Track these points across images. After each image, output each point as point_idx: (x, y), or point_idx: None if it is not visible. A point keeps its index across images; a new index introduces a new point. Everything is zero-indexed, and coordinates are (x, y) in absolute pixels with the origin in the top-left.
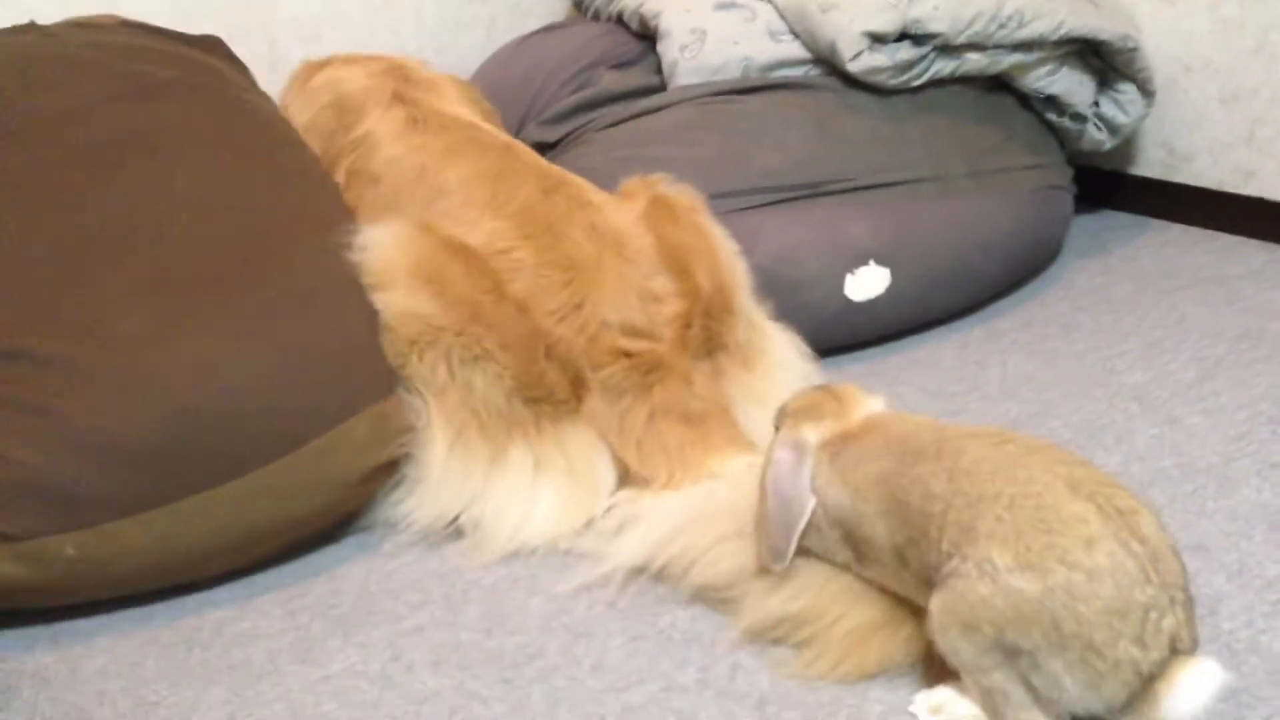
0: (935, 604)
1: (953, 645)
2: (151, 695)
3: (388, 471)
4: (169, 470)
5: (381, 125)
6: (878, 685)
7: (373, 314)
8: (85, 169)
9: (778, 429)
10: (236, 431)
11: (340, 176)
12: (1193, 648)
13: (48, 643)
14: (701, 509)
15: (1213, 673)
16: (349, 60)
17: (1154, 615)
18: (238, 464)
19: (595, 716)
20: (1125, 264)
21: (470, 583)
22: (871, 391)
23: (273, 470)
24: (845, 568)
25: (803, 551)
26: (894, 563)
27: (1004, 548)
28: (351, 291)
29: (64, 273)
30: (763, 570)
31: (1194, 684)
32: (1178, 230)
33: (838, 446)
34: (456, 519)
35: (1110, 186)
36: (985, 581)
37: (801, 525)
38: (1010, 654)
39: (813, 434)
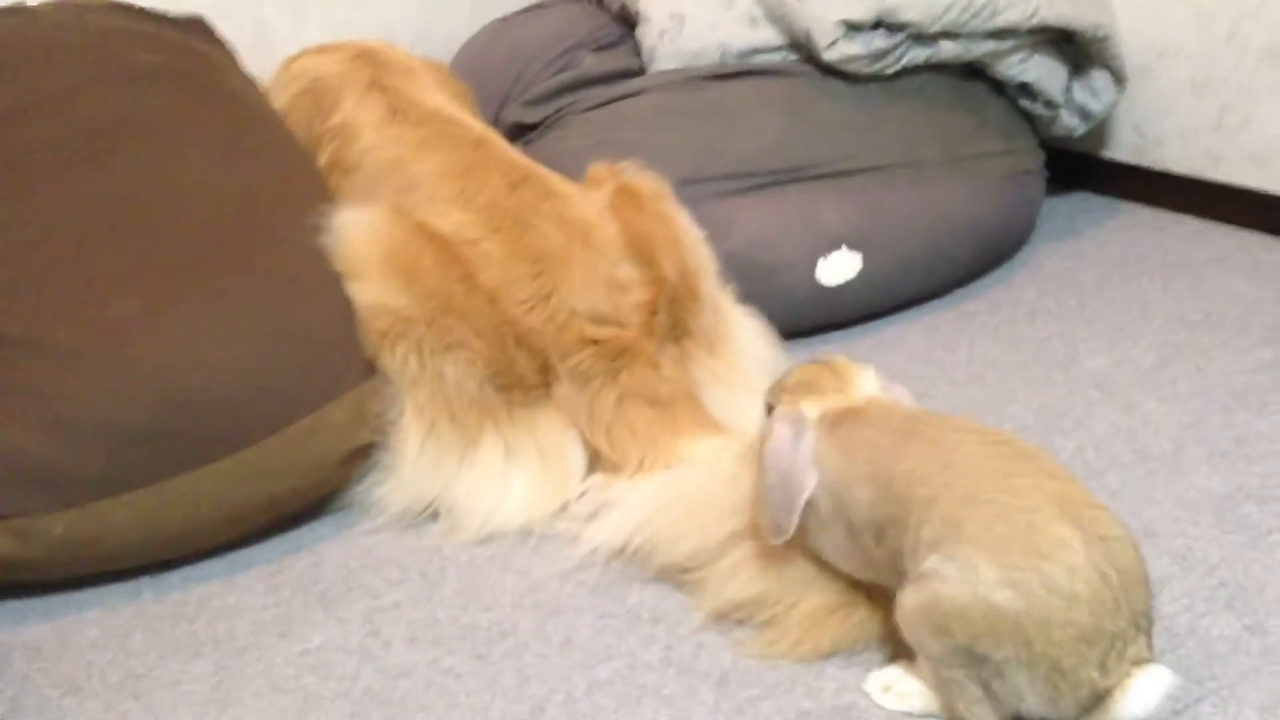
0: (909, 600)
1: (919, 639)
2: (139, 667)
3: (366, 454)
4: (155, 451)
5: (360, 113)
6: (833, 664)
7: (350, 300)
8: (73, 154)
9: (771, 407)
10: (221, 414)
11: (322, 163)
12: (1148, 659)
13: (40, 615)
14: (674, 494)
15: (1163, 677)
16: (320, 50)
17: (1119, 644)
18: (222, 446)
19: (563, 691)
20: (1094, 248)
21: (447, 560)
22: (862, 364)
23: (255, 452)
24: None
25: (799, 540)
26: (870, 539)
27: (991, 559)
28: (332, 277)
29: (52, 257)
30: (726, 554)
31: (1144, 689)
32: (1148, 214)
33: (837, 421)
34: (430, 505)
35: (1083, 169)
36: (966, 589)
37: (803, 500)
38: (977, 660)
39: (811, 409)
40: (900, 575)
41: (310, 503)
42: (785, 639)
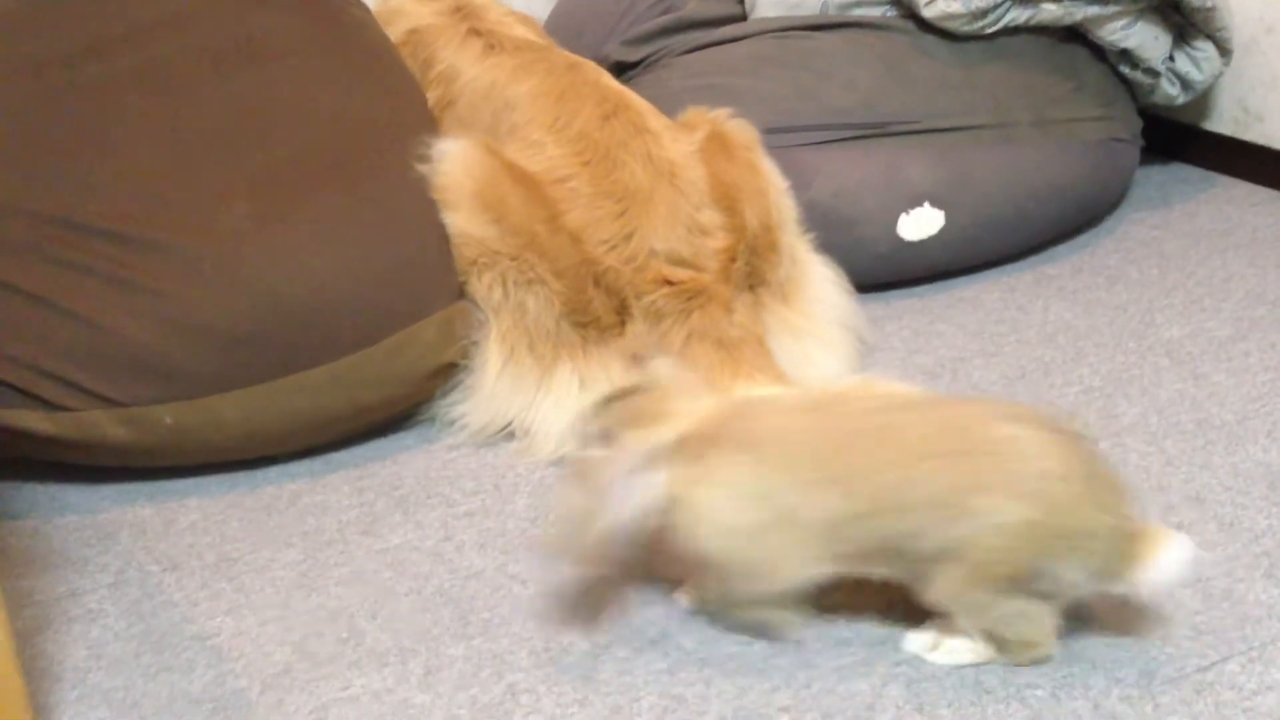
0: (949, 579)
1: (976, 604)
2: (234, 551)
3: (451, 372)
4: (259, 354)
5: (459, 57)
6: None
7: (445, 226)
8: (197, 70)
9: (591, 438)
10: (320, 324)
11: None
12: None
13: (146, 498)
14: None
15: (1186, 546)
16: None
17: (1117, 485)
18: (320, 354)
19: (618, 603)
20: (1184, 219)
21: (520, 477)
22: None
23: (349, 362)
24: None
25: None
26: (838, 539)
27: (997, 494)
28: (429, 204)
29: (174, 166)
30: None
31: (1168, 557)
32: (1244, 189)
33: (698, 447)
34: (508, 425)
35: (1182, 139)
36: (994, 535)
37: (614, 534)
38: (1029, 579)
39: (652, 443)
40: (900, 556)
41: (396, 414)
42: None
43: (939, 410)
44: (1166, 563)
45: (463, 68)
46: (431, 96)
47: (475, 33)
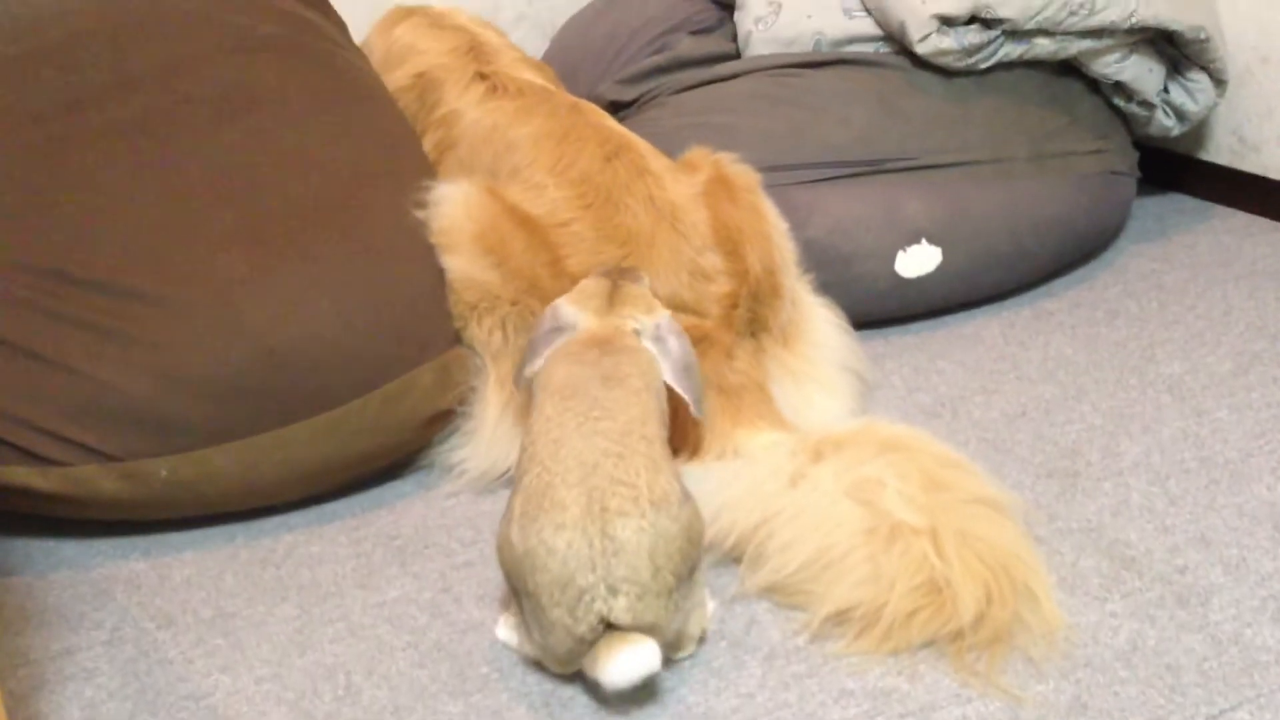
0: None
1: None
2: (229, 606)
3: (448, 418)
4: (255, 405)
5: (463, 99)
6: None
7: (442, 271)
8: (190, 119)
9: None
10: (317, 373)
11: (428, 150)
12: (643, 627)
13: (140, 552)
14: (734, 490)
15: (645, 654)
16: (434, 23)
17: (588, 598)
18: (317, 402)
19: None
20: (1183, 250)
21: None
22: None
23: (346, 410)
24: None
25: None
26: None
27: (521, 505)
28: (426, 249)
29: (167, 217)
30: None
31: (623, 657)
32: (1241, 219)
33: (584, 341)
34: (506, 471)
35: (1179, 170)
36: (503, 526)
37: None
38: (516, 591)
39: (577, 314)
40: None
41: (394, 461)
42: (872, 635)
43: (598, 439)
44: (617, 664)
45: (465, 110)
46: (434, 138)
47: (481, 76)
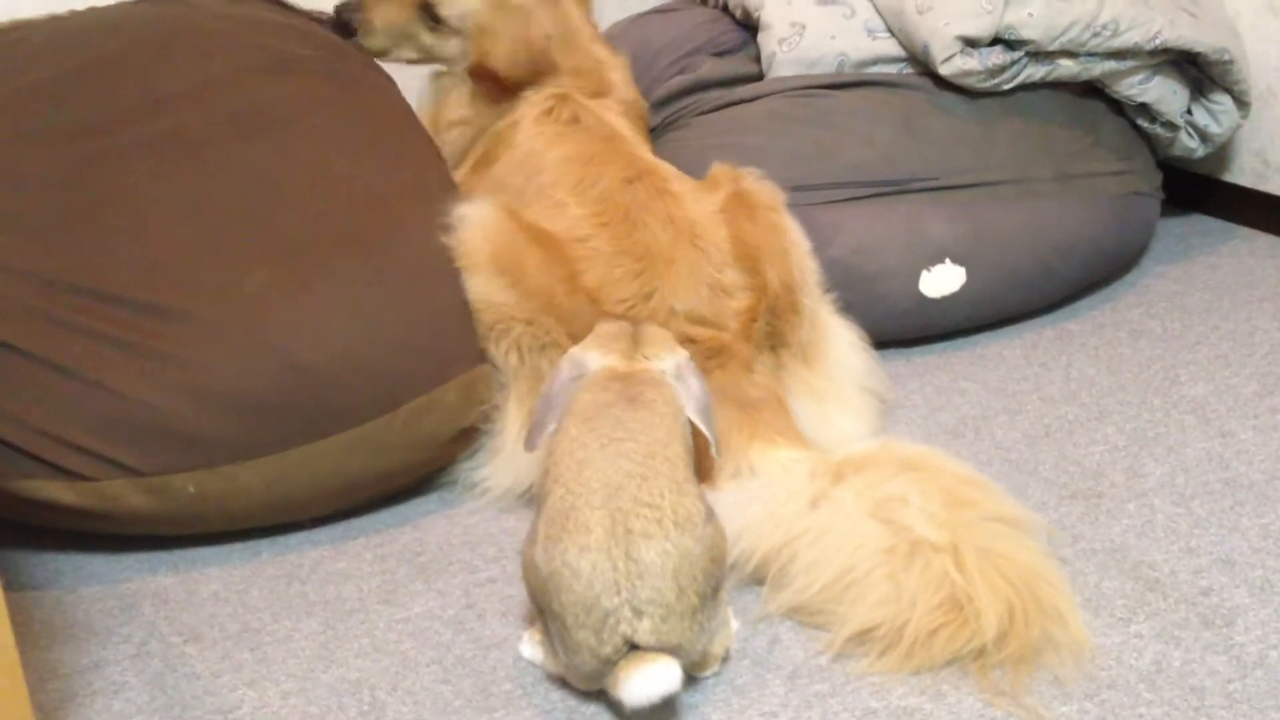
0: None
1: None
2: (255, 621)
3: (473, 436)
4: (281, 421)
5: (517, 129)
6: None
7: (465, 288)
8: (220, 138)
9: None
10: (342, 390)
11: (477, 154)
12: (668, 648)
13: (168, 567)
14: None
15: (666, 673)
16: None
17: (613, 620)
18: (342, 420)
19: None
20: (1206, 271)
21: None
22: (675, 349)
23: (372, 427)
24: None
25: None
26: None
27: (544, 527)
28: (451, 268)
29: (196, 234)
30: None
31: (645, 677)
32: (1265, 240)
33: (603, 380)
34: (529, 489)
35: (1202, 191)
36: (527, 546)
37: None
38: (541, 611)
39: (594, 359)
40: None
41: (418, 478)
42: (894, 654)
43: (624, 461)
44: (637, 683)
45: (514, 136)
46: (476, 153)
47: (548, 113)
